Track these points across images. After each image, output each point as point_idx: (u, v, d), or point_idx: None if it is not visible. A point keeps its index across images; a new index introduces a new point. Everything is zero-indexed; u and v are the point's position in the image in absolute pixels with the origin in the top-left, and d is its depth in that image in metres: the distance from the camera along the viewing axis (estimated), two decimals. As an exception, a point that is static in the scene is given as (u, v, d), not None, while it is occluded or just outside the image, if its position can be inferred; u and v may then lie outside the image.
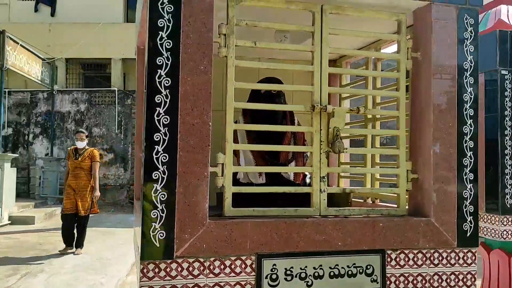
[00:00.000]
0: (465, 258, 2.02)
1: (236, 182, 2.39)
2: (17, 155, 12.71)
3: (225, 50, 1.84)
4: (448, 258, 2.00)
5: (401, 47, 2.05)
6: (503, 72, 3.46)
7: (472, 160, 2.03)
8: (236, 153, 2.54)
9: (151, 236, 1.68)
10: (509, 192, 3.42)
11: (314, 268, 1.85)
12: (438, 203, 1.97)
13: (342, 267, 1.88)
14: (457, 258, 2.01)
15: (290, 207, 1.91)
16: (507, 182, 3.44)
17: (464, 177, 2.02)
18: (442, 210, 1.98)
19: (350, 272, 1.89)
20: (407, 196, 2.10)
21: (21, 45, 11.43)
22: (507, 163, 3.45)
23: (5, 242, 8.87)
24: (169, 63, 1.71)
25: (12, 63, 11.00)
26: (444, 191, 1.98)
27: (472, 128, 2.04)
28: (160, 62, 1.70)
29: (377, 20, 2.09)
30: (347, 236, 1.88)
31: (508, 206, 3.40)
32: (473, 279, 2.03)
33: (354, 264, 1.89)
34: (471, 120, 2.04)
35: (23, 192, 14.37)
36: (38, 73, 13.09)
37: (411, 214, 2.06)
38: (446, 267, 2.00)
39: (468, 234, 2.01)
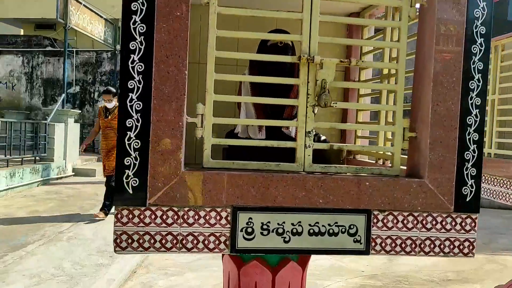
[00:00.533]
0: (463, 224, 1.88)
1: (234, 136, 2.36)
2: (80, 111, 13.39)
3: (207, -4, 1.77)
4: (443, 223, 1.87)
5: (404, -7, 1.87)
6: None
7: (478, 119, 1.85)
8: (239, 106, 2.49)
9: (125, 182, 1.70)
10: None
11: (293, 224, 1.80)
12: (434, 163, 1.83)
13: (323, 225, 1.81)
14: (453, 223, 1.87)
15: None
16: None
17: (467, 137, 1.85)
18: (439, 171, 1.83)
19: (331, 231, 1.82)
20: (405, 156, 1.97)
21: (84, 5, 11.85)
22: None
23: (66, 191, 9.53)
24: (144, 8, 1.67)
25: (75, 23, 11.46)
26: (442, 151, 1.83)
27: (480, 84, 1.85)
28: (135, 7, 1.67)
29: (379, -37, 1.92)
30: (328, 194, 1.80)
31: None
32: (471, 247, 1.89)
33: (336, 223, 1.82)
34: (480, 75, 1.84)
35: (89, 147, 15.23)
36: (101, 33, 13.56)
37: (408, 176, 1.94)
38: (441, 232, 1.87)
39: (467, 199, 1.86)
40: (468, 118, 1.85)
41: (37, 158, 10.55)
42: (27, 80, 16.95)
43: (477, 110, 1.85)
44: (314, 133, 2.51)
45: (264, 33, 2.01)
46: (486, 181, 3.78)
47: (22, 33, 20.16)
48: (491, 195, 3.68)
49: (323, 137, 2.49)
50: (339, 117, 2.94)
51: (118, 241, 1.72)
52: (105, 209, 7.23)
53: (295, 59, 1.83)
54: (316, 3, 1.82)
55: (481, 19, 1.83)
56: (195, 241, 1.76)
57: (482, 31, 1.84)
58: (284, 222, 1.79)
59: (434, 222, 1.86)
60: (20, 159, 9.93)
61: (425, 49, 1.87)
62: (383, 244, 1.85)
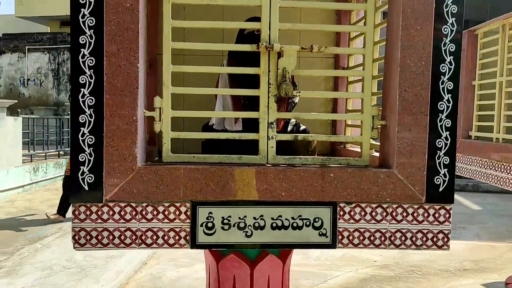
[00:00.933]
0: (436, 215, 1.78)
1: (209, 128, 2.31)
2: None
3: (160, -14, 1.73)
4: (415, 214, 1.78)
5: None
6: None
7: (451, 104, 1.74)
8: (216, 97, 2.44)
9: (80, 179, 1.68)
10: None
11: (254, 218, 1.74)
12: (402, 152, 1.74)
13: (286, 219, 1.75)
14: (426, 215, 1.78)
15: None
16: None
17: (439, 123, 1.75)
18: (408, 160, 1.74)
19: (295, 224, 1.76)
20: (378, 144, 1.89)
21: (102, 0, 11.94)
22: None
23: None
24: (92, 1, 1.64)
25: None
26: (411, 139, 1.74)
27: (453, 67, 1.73)
28: (83, 0, 1.64)
29: None
30: (291, 186, 1.73)
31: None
32: (445, 239, 1.80)
33: (300, 216, 1.76)
34: (452, 57, 1.73)
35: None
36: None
37: (380, 166, 1.85)
38: (412, 224, 1.78)
39: (440, 189, 1.76)
40: (439, 103, 1.74)
41: (60, 152, 10.80)
42: (54, 77, 17.34)
43: (449, 95, 1.74)
44: (294, 123, 2.45)
45: (223, 22, 1.95)
46: (493, 168, 3.61)
47: (48, 31, 20.59)
48: (499, 182, 3.52)
49: (302, 127, 2.42)
50: (331, 105, 2.85)
51: (76, 237, 1.71)
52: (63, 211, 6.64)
53: (254, 47, 1.77)
54: (275, -12, 1.74)
55: (449, 36, 1.72)
56: (154, 237, 1.73)
57: (453, 10, 1.72)
58: (245, 216, 1.74)
59: (404, 214, 1.78)
60: (44, 154, 10.18)
61: (393, 32, 1.77)
62: (351, 237, 1.77)
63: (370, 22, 1.79)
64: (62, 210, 6.61)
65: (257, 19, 2.34)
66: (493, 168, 3.62)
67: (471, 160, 4.01)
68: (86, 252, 5.23)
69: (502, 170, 3.49)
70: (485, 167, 3.75)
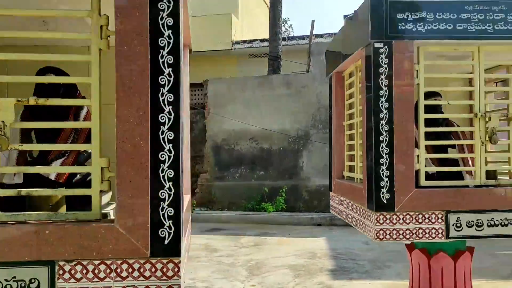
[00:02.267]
0: (164, 270, 1.71)
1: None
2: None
3: None
4: (141, 270, 1.70)
5: (92, 25, 1.76)
6: (377, 45, 2.97)
7: (173, 154, 1.71)
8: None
9: None
10: (385, 185, 2.95)
11: (-36, 282, 1.64)
12: (124, 205, 1.68)
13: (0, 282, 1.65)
14: (153, 270, 1.71)
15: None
16: (382, 174, 2.95)
17: (161, 174, 1.70)
18: (130, 214, 1.68)
19: (9, 287, 1.66)
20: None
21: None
22: (382, 151, 2.97)
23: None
24: None
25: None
26: (132, 191, 1.68)
27: (172, 117, 1.71)
28: None
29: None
30: (3, 246, 1.64)
31: (384, 202, 2.93)
32: (176, 295, 1.72)
33: (14, 277, 1.66)
34: (170, 107, 1.71)
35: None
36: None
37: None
38: (139, 280, 1.70)
39: (166, 242, 1.70)
40: (160, 154, 1.71)
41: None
42: None
43: (170, 145, 1.71)
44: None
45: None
46: (348, 207, 3.60)
47: None
48: (352, 222, 3.50)
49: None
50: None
51: None
52: None
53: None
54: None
55: (167, 48, 1.71)
56: None
57: (169, 60, 1.72)
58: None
59: (130, 270, 1.70)
60: None
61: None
62: (71, 298, 1.68)
63: (95, 73, 1.76)
64: None
65: (47, 70, 2.34)
66: (348, 207, 3.61)
67: (340, 200, 4.00)
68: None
69: (350, 208, 3.48)
70: (345, 206, 3.74)
